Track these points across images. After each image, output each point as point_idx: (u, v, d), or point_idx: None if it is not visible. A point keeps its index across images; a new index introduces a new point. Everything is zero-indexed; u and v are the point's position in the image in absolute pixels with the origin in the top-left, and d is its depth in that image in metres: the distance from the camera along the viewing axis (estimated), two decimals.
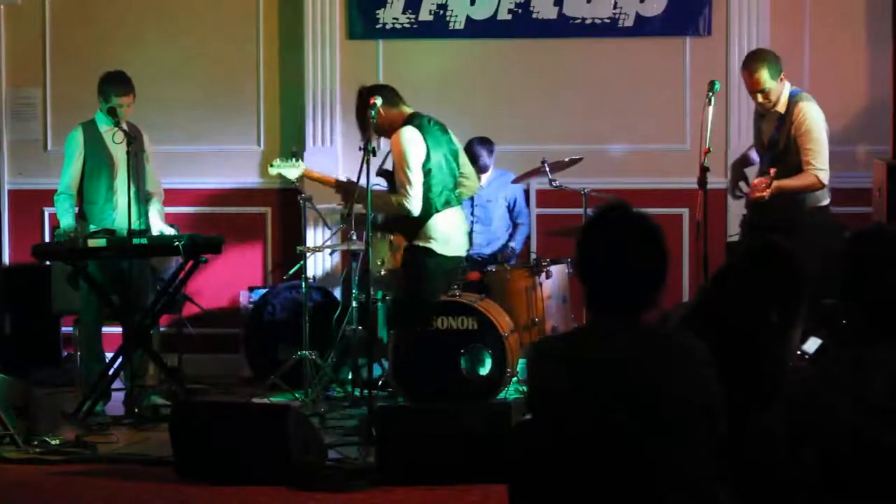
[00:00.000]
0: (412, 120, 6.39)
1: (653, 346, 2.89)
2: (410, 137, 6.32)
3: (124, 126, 7.01)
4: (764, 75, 6.38)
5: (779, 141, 6.39)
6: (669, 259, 2.93)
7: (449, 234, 6.40)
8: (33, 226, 8.48)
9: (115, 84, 7.07)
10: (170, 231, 7.19)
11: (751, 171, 6.70)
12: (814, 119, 6.35)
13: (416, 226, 6.39)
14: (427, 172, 6.32)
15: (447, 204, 6.38)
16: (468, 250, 6.81)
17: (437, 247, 6.39)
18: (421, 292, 6.56)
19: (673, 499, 2.78)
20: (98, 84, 7.12)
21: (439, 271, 6.47)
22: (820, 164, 6.30)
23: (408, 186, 6.28)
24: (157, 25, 8.38)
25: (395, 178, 6.40)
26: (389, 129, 6.42)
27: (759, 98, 6.45)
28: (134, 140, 6.92)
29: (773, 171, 6.21)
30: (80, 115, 7.25)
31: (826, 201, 6.46)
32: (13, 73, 8.56)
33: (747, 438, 2.94)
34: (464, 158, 6.67)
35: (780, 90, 6.43)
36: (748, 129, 7.73)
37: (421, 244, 6.40)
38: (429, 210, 6.35)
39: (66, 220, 7.05)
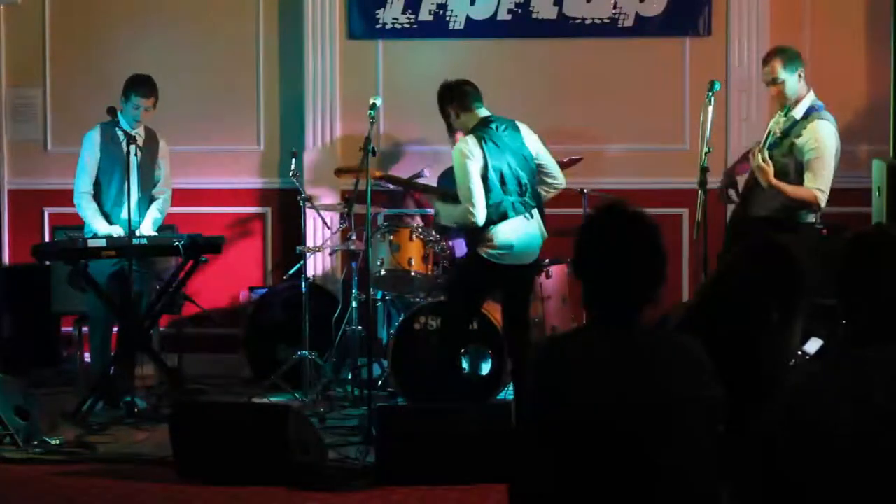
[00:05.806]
0: (478, 127, 6.25)
1: (653, 346, 2.89)
2: (465, 149, 6.16)
3: (139, 130, 7.07)
4: (777, 65, 6.25)
5: (783, 143, 6.23)
6: (667, 256, 2.93)
7: (508, 244, 6.21)
8: (33, 226, 8.49)
9: (138, 85, 7.14)
10: (150, 232, 7.17)
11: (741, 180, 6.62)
12: (826, 142, 6.16)
13: (478, 234, 6.24)
14: (485, 183, 6.14)
15: (505, 214, 6.17)
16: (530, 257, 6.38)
17: (493, 256, 6.20)
18: (462, 296, 6.41)
19: (673, 499, 2.78)
20: (123, 85, 7.16)
21: (493, 278, 6.32)
22: (822, 186, 6.12)
23: (470, 199, 6.11)
24: (157, 25, 8.39)
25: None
26: (462, 133, 6.37)
27: (773, 91, 6.31)
28: (135, 142, 6.92)
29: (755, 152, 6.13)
30: (80, 115, 7.26)
31: (812, 219, 6.26)
32: (13, 73, 8.57)
33: (747, 438, 2.94)
34: (546, 159, 6.45)
35: (798, 89, 6.26)
36: (748, 130, 7.74)
37: (480, 252, 6.23)
38: (488, 220, 6.17)
39: (102, 225, 7.03)
